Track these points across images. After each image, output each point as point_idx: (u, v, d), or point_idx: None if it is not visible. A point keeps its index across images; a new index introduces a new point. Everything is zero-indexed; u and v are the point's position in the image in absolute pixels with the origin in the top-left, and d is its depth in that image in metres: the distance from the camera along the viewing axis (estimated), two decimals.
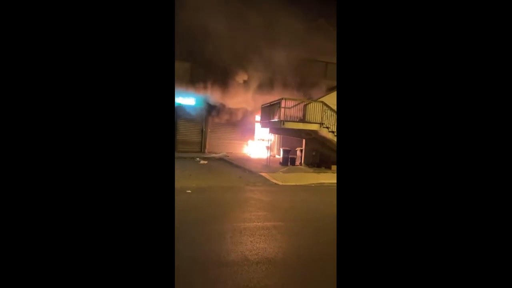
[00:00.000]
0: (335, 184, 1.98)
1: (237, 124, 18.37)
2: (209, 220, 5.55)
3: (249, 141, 18.68)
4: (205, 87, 16.50)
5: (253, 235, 4.83)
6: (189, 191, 7.78)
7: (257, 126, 18.29)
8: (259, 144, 17.93)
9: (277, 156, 16.52)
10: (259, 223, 5.43)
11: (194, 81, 16.71)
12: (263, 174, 11.15)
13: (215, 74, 16.59)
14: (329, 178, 10.78)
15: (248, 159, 16.04)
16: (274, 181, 9.94)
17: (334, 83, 15.45)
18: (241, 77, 16.52)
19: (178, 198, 7.16)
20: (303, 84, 16.40)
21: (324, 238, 4.84)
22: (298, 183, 9.73)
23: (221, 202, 7.07)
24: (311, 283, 3.47)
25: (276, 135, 16.15)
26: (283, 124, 12.06)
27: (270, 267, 3.74)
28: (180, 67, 16.28)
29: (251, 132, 18.88)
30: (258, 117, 17.59)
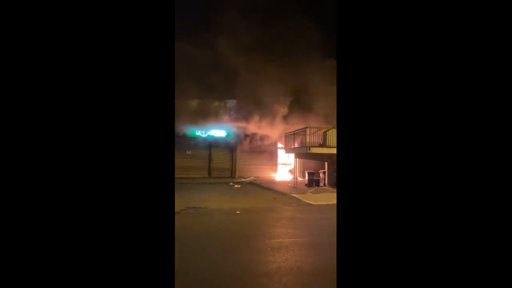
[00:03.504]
0: None
1: (262, 151, 21.22)
2: (278, 235, 6.25)
3: (278, 166, 21.33)
4: (237, 121, 19.46)
5: (320, 250, 5.41)
6: (239, 212, 8.76)
7: (279, 152, 21.08)
8: (282, 168, 20.65)
9: (299, 179, 17.86)
10: (318, 239, 6.11)
11: (226, 115, 19.94)
12: (294, 195, 12.41)
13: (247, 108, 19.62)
14: None
15: (274, 182, 18.23)
16: (307, 201, 11.01)
17: None
18: (268, 110, 19.00)
19: (232, 218, 8.08)
20: (323, 112, 18.50)
21: None
22: (329, 203, 10.65)
23: (272, 221, 7.86)
24: None
25: (297, 159, 17.94)
26: (309, 149, 13.79)
27: None
28: (216, 105, 19.85)
29: (275, 158, 21.58)
30: (279, 144, 20.45)
